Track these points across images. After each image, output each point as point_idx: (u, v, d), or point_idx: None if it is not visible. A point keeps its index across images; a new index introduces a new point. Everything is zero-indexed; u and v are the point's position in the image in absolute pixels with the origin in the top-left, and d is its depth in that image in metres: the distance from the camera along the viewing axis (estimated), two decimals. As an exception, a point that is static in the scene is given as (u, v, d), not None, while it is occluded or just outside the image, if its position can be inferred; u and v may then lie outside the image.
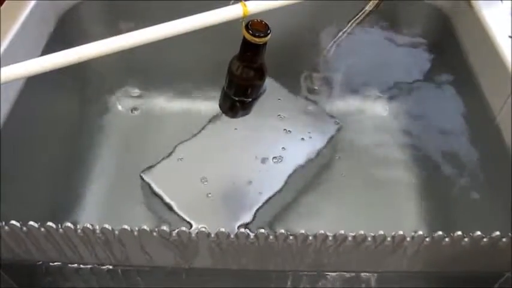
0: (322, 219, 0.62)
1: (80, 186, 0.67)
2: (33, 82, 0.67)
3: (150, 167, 0.65)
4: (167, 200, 0.62)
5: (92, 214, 0.66)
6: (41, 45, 0.72)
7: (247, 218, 0.60)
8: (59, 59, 0.45)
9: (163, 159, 0.66)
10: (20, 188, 0.62)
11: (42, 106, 0.70)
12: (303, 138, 0.68)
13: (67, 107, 0.75)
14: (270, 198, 0.62)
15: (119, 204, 0.66)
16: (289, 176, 0.64)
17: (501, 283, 0.53)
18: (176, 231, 0.46)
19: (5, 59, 0.62)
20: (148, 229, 0.46)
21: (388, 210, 0.64)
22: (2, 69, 0.44)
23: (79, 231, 0.46)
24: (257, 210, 0.61)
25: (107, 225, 0.46)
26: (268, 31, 0.47)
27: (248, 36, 0.47)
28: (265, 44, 0.48)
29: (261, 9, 0.49)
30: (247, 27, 0.47)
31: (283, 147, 0.67)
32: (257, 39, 0.47)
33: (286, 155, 0.66)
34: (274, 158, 0.66)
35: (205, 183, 0.63)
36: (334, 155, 0.67)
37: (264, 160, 0.65)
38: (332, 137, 0.69)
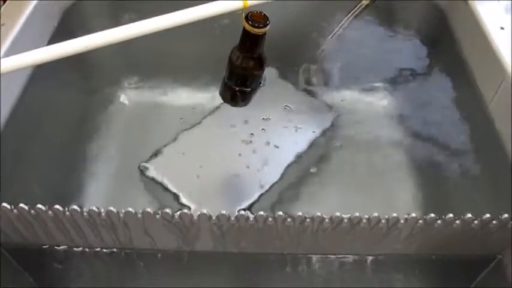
0: (321, 206, 0.63)
1: (83, 176, 0.69)
2: (37, 74, 0.69)
3: (151, 156, 0.66)
4: (169, 188, 0.63)
5: (94, 203, 0.67)
6: (45, 40, 0.73)
7: (247, 204, 0.62)
8: (60, 50, 0.46)
9: (164, 148, 0.67)
10: (24, 177, 0.63)
11: (46, 98, 0.71)
12: (301, 128, 0.69)
13: (70, 98, 0.76)
14: (269, 186, 0.64)
15: (121, 193, 0.67)
16: (288, 165, 0.66)
17: (493, 266, 0.55)
18: (179, 213, 0.47)
19: (9, 53, 0.63)
20: (151, 211, 0.47)
21: (385, 198, 0.65)
22: (7, 58, 0.45)
23: (85, 214, 0.48)
24: (257, 197, 0.63)
25: (112, 208, 0.47)
26: (267, 22, 0.48)
27: (248, 27, 0.48)
28: (264, 34, 0.49)
29: (261, 1, 0.51)
30: (246, 18, 0.48)
31: (282, 136, 0.68)
32: (256, 30, 0.48)
33: (285, 144, 0.67)
34: (273, 146, 0.67)
35: (206, 172, 0.65)
36: (331, 144, 0.69)
37: (263, 149, 0.67)
38: (330, 127, 0.70)
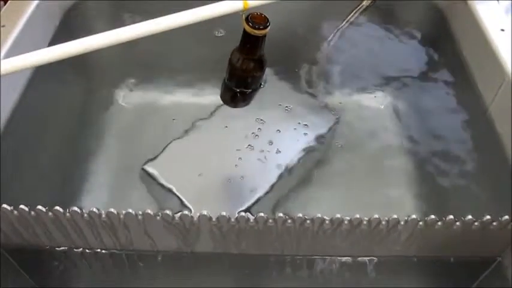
0: (321, 207, 0.63)
1: (83, 177, 0.68)
2: (37, 75, 0.69)
3: (152, 158, 0.66)
4: (169, 189, 0.63)
5: (94, 205, 0.66)
6: (47, 40, 0.73)
7: (247, 206, 0.62)
8: (61, 51, 0.46)
9: (165, 149, 0.67)
10: (24, 178, 0.63)
11: (46, 98, 0.71)
12: (302, 130, 0.69)
13: (70, 99, 0.76)
14: (269, 187, 0.64)
15: (121, 194, 0.67)
16: (288, 166, 0.65)
17: (493, 268, 0.55)
18: (179, 214, 0.47)
19: (11, 53, 0.63)
20: (152, 213, 0.47)
21: (385, 199, 0.65)
22: (7, 60, 0.45)
23: (85, 215, 0.48)
24: (257, 199, 0.63)
25: (112, 209, 0.47)
26: (268, 23, 0.48)
27: (248, 29, 0.48)
28: (264, 36, 0.49)
29: (261, 3, 0.50)
30: (247, 19, 0.48)
31: (282, 138, 0.68)
32: (257, 31, 0.48)
33: (285, 146, 0.67)
34: (273, 147, 0.67)
35: (206, 173, 0.65)
36: (332, 145, 0.69)
37: (263, 150, 0.67)
38: (330, 129, 0.70)
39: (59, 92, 0.74)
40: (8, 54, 0.62)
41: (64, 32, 0.74)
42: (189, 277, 0.56)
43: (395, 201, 0.65)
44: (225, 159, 0.66)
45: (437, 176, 0.65)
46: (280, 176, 0.64)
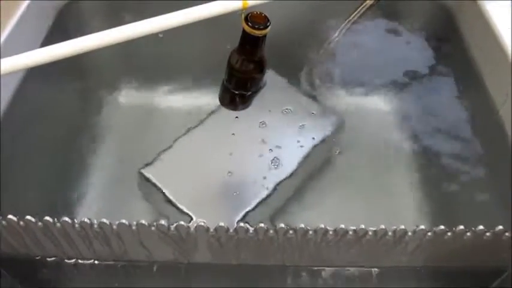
0: (323, 214, 0.62)
1: (79, 180, 0.67)
2: (33, 75, 0.68)
3: (149, 162, 0.65)
4: (167, 194, 0.62)
5: (90, 209, 0.65)
6: (40, 39, 0.72)
7: (246, 211, 0.60)
8: (57, 51, 0.44)
9: (162, 153, 0.66)
10: (19, 181, 0.62)
11: (41, 100, 0.70)
12: (303, 134, 0.68)
13: (66, 100, 0.75)
14: (268, 192, 0.62)
15: (117, 198, 0.66)
16: (289, 171, 0.64)
17: (502, 280, 0.53)
18: (175, 225, 0.45)
19: (3, 52, 0.62)
20: (146, 223, 0.45)
21: (389, 205, 0.63)
22: (5, 59, 0.43)
23: (76, 225, 0.46)
24: (256, 204, 0.61)
25: (104, 220, 0.45)
26: (268, 23, 0.47)
27: (247, 29, 0.47)
28: (264, 36, 0.48)
29: (261, 2, 0.49)
30: (246, 19, 0.46)
31: (283, 141, 0.67)
32: (257, 32, 0.47)
33: (286, 149, 0.66)
34: (274, 152, 0.66)
35: (205, 178, 0.63)
36: (334, 149, 0.67)
37: (263, 154, 0.65)
38: (333, 132, 0.68)
39: (54, 93, 0.73)
40: (1, 54, 0.61)
41: (57, 33, 0.74)
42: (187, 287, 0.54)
43: (401, 206, 0.64)
44: (224, 163, 0.65)
45: (445, 181, 0.64)
46: (281, 181, 0.63)
